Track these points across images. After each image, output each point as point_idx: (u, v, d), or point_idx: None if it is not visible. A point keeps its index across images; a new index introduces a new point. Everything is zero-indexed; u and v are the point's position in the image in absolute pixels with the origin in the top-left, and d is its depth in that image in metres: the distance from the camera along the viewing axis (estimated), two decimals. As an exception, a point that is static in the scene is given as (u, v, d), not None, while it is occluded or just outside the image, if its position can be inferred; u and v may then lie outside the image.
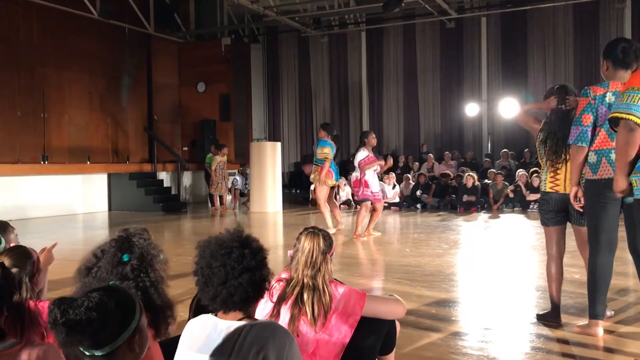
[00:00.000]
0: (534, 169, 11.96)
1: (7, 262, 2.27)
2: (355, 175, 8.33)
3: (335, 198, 14.03)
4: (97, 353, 1.47)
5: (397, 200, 13.30)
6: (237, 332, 1.84)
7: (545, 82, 15.61)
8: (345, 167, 16.37)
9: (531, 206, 11.70)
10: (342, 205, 13.78)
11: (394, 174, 13.70)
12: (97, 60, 14.03)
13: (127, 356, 1.53)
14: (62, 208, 12.42)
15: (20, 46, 12.21)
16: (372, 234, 8.52)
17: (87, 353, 1.48)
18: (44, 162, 12.30)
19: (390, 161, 8.87)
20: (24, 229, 10.15)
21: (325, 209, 8.86)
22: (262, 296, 1.97)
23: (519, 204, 12.21)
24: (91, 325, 1.43)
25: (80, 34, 13.44)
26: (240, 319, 1.89)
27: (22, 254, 2.51)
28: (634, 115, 2.94)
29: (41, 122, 12.69)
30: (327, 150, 8.74)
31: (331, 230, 8.72)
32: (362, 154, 8.25)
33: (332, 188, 9.11)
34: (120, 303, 1.52)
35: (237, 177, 14.71)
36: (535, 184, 11.67)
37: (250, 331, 1.83)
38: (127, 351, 1.52)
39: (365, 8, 16.00)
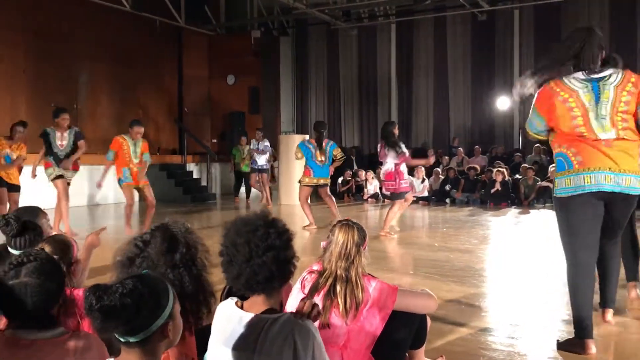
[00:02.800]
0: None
1: (47, 249, 2.33)
2: (388, 168, 8.03)
3: (362, 192, 14.08)
4: (132, 339, 1.50)
5: (425, 194, 13.22)
6: (260, 325, 1.84)
7: (579, 76, 15.30)
8: (373, 161, 16.35)
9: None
10: (369, 199, 13.76)
11: (423, 168, 13.62)
12: (129, 53, 14.21)
13: (161, 342, 1.56)
14: (95, 197, 12.63)
15: (54, 39, 12.43)
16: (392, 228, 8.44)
17: (121, 339, 1.51)
18: (77, 153, 12.52)
19: (432, 160, 9.30)
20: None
21: (304, 204, 8.88)
22: (287, 280, 1.97)
23: (551, 199, 12.00)
24: (126, 311, 1.46)
25: (113, 27, 13.62)
26: (264, 312, 1.89)
27: (62, 243, 2.57)
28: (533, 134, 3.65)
29: (75, 113, 12.90)
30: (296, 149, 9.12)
31: (312, 226, 8.59)
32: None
33: (320, 186, 8.90)
34: (154, 290, 1.54)
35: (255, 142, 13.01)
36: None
37: (273, 324, 1.82)
38: (161, 337, 1.54)
39: (396, 0, 15.87)
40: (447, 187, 13.23)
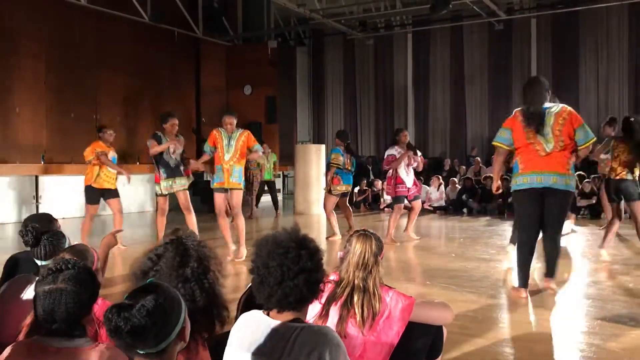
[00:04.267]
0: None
1: (73, 260, 2.36)
2: (390, 172, 8.19)
3: (379, 201, 14.05)
4: (152, 351, 1.53)
5: (442, 203, 13.16)
6: (289, 333, 1.85)
7: (598, 86, 15.19)
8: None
9: (582, 212, 11.38)
10: (386, 209, 13.73)
11: (439, 177, 13.56)
12: (148, 63, 14.37)
13: (176, 347, 1.61)
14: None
15: (75, 50, 12.61)
16: (411, 236, 8.42)
17: (142, 352, 1.54)
18: (96, 163, 12.64)
19: (411, 153, 8.27)
20: (76, 227, 10.48)
21: (331, 215, 8.67)
22: (316, 298, 1.97)
23: (570, 209, 11.86)
24: (156, 328, 1.50)
25: (131, 38, 13.81)
26: (292, 320, 1.90)
27: (83, 252, 2.61)
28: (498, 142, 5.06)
29: (93, 124, 13.07)
30: (333, 156, 8.54)
31: (337, 237, 8.49)
32: (387, 152, 8.23)
33: (344, 194, 8.79)
34: (170, 301, 1.58)
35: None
36: (587, 189, 11.37)
37: (302, 333, 1.83)
38: (178, 342, 1.59)
39: (412, 10, 15.89)
40: (464, 197, 13.15)
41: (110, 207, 7.85)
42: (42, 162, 11.54)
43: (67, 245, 2.92)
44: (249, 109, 16.49)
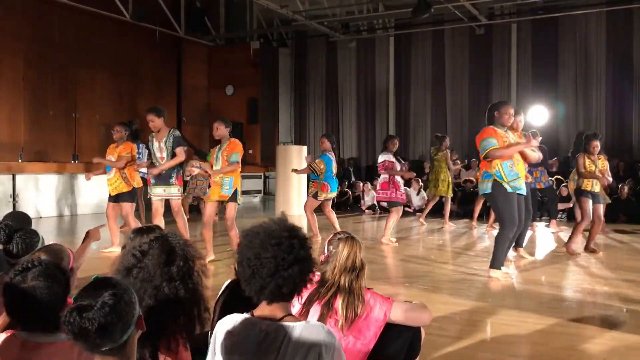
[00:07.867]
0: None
1: (44, 257, 2.33)
2: (383, 177, 8.35)
3: (360, 203, 14.08)
4: (115, 345, 1.53)
5: (422, 206, 13.21)
6: (282, 332, 1.81)
7: (577, 90, 15.38)
8: (371, 172, 16.39)
9: (560, 215, 11.50)
10: (367, 210, 13.77)
11: (420, 180, 13.63)
12: (128, 62, 14.27)
13: (136, 336, 1.61)
14: (92, 207, 12.59)
15: (54, 47, 12.47)
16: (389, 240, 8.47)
17: (106, 349, 1.54)
18: (75, 161, 12.52)
19: (411, 174, 9.20)
20: (53, 225, 10.35)
21: (311, 216, 8.61)
22: (306, 288, 1.95)
23: (547, 213, 12.00)
24: (121, 322, 1.50)
25: (112, 36, 13.69)
26: (281, 318, 1.86)
27: (58, 252, 2.58)
28: None
29: (72, 121, 12.94)
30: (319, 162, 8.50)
31: (318, 238, 8.37)
32: (382, 157, 8.37)
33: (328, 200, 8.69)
34: (127, 293, 1.57)
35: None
36: (564, 193, 11.50)
37: (295, 332, 1.80)
38: (137, 332, 1.59)
39: (394, 13, 15.97)
40: (444, 199, 13.21)
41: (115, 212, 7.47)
42: (20, 160, 11.36)
43: (41, 244, 2.89)
44: (230, 110, 16.45)
